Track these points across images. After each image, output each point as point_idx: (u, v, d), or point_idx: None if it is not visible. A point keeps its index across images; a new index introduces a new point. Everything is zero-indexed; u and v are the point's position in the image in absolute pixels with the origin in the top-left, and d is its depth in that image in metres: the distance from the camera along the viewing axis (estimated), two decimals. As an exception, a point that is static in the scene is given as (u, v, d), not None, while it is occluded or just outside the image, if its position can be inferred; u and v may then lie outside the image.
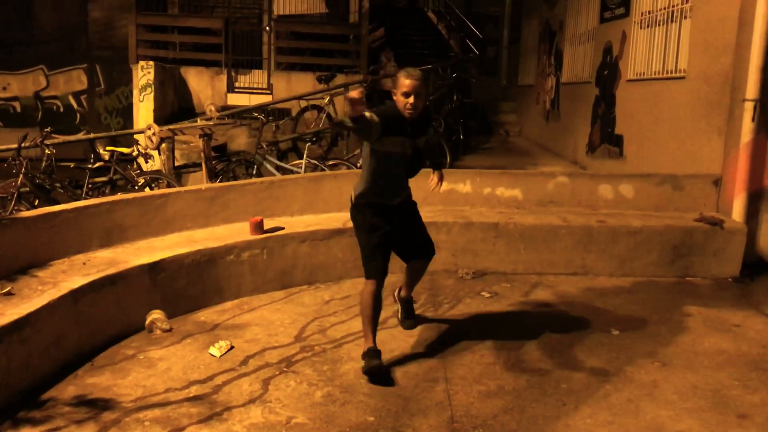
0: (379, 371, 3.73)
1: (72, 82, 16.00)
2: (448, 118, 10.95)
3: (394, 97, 3.76)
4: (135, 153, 7.63)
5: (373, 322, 3.88)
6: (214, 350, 4.08)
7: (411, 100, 3.68)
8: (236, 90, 13.95)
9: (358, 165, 8.18)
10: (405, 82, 3.68)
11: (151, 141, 6.78)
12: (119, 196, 5.21)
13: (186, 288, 4.70)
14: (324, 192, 5.84)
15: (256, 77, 14.13)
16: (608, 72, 8.81)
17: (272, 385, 3.69)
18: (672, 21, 7.12)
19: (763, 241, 5.94)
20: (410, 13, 19.97)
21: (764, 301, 5.10)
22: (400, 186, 4.05)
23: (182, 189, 5.36)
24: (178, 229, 5.17)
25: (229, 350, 4.12)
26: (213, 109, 7.44)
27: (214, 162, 7.45)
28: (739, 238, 5.60)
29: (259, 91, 13.69)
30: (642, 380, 3.75)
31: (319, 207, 5.79)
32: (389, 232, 3.94)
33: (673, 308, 4.87)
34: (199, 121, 7.43)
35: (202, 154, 7.03)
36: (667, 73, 7.16)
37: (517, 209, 6.05)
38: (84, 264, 4.42)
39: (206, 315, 4.71)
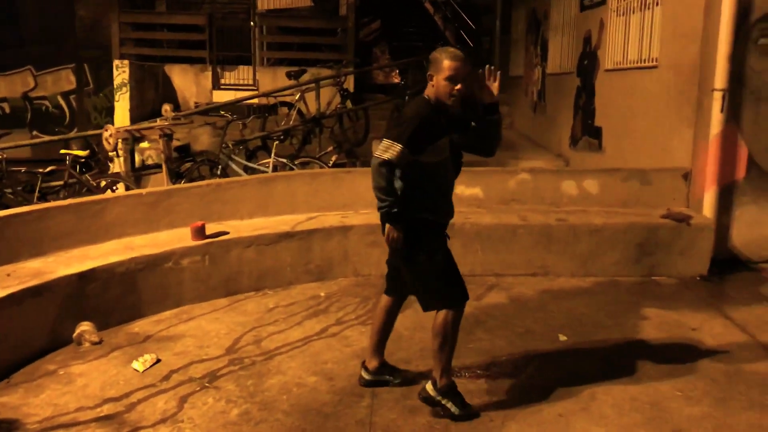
0: (476, 414, 3.31)
1: (60, 82, 15.86)
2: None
3: (432, 84, 3.17)
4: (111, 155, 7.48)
5: (452, 354, 3.34)
6: (138, 364, 3.91)
7: (458, 86, 3.11)
8: (222, 87, 13.81)
9: (330, 164, 8.01)
10: (450, 64, 3.09)
11: (108, 143, 6.62)
12: (53, 203, 5.05)
13: (120, 298, 4.53)
14: (275, 194, 5.65)
15: (242, 73, 13.97)
16: (588, 62, 8.54)
17: (189, 402, 3.51)
18: (646, 8, 6.85)
19: (736, 236, 5.71)
20: (407, 5, 19.71)
21: (729, 301, 4.86)
22: (449, 196, 3.38)
23: (121, 194, 5.19)
24: (117, 236, 4.99)
25: (154, 364, 3.95)
26: (168, 109, 7.27)
27: (177, 163, 7.28)
28: (706, 234, 5.35)
29: (245, 87, 13.53)
30: (580, 392, 3.54)
31: (271, 210, 5.59)
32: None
33: (630, 311, 4.65)
34: (158, 121, 7.26)
35: (162, 155, 6.85)
36: (641, 62, 6.89)
37: (478, 208, 5.83)
38: (8, 275, 4.26)
39: (141, 326, 4.54)
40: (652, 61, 6.52)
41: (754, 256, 5.68)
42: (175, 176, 7.13)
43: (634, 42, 7.07)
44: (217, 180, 6.11)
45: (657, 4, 6.53)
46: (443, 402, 3.29)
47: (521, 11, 13.30)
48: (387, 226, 3.20)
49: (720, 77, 5.42)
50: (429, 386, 3.32)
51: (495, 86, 3.20)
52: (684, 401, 3.42)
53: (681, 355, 3.97)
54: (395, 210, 3.14)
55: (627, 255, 5.33)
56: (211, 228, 5.15)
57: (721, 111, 5.45)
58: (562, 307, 4.76)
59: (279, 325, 4.50)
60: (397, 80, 16.47)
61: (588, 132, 8.38)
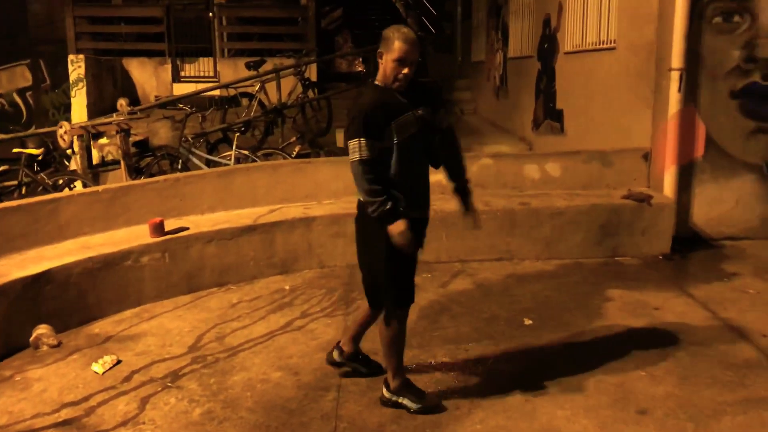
0: (439, 406, 3.26)
1: (16, 78, 15.46)
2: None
3: (381, 61, 3.04)
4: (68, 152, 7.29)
5: (402, 353, 3.32)
6: (98, 366, 3.82)
7: (405, 70, 2.98)
8: (182, 79, 13.58)
9: (293, 155, 7.92)
10: (400, 46, 2.95)
11: (63, 140, 6.45)
12: (5, 204, 4.90)
13: (78, 299, 4.42)
14: (236, 187, 5.56)
15: (203, 65, 13.76)
16: (548, 45, 8.55)
17: (150, 403, 3.43)
18: (604, -10, 6.86)
19: (696, 214, 5.77)
20: (369, -8, 19.59)
21: (691, 279, 4.91)
22: (427, 187, 3.28)
23: (76, 192, 5.07)
24: (73, 236, 4.87)
25: (114, 365, 3.86)
26: (124, 103, 7.11)
27: (136, 158, 7.13)
28: (668, 214, 5.40)
29: (206, 79, 13.32)
30: (546, 376, 3.53)
31: (231, 203, 5.51)
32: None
33: (594, 292, 4.67)
34: (114, 116, 7.10)
35: (120, 151, 6.71)
36: (600, 44, 6.91)
37: (441, 194, 5.76)
38: (-41, 280, 4.12)
39: (101, 326, 4.44)
40: (611, 43, 6.55)
41: (715, 233, 5.75)
42: (135, 172, 6.99)
43: (593, 24, 7.09)
44: (176, 174, 5.99)
45: (614, -15, 6.55)
46: (400, 401, 3.26)
47: (482, -4, 13.28)
48: (389, 228, 3.01)
49: (676, 57, 5.45)
50: (384, 391, 3.30)
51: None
52: (648, 381, 3.44)
53: (644, 335, 4.00)
54: (389, 206, 2.99)
55: (590, 236, 5.35)
56: (170, 224, 5.05)
57: (679, 90, 5.49)
58: (526, 290, 4.76)
59: (243, 320, 4.43)
60: (360, 68, 16.35)
61: (550, 115, 8.41)
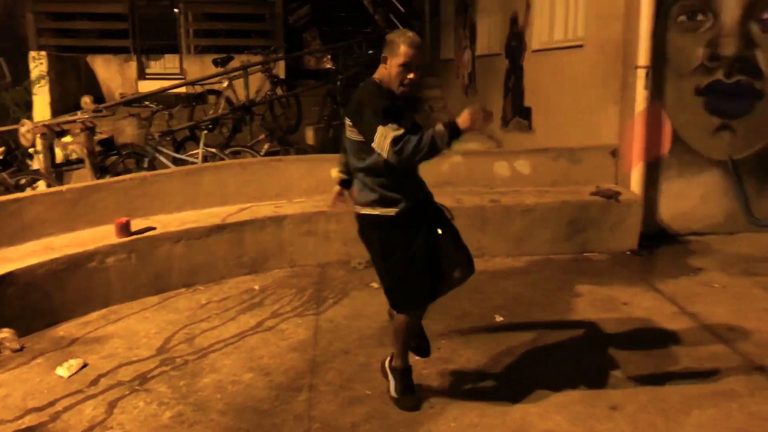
0: (414, 407, 3.24)
1: (-25, 76, 15.10)
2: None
3: (385, 66, 2.94)
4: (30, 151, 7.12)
5: (409, 344, 3.29)
6: (63, 370, 3.73)
7: (411, 75, 2.91)
8: (148, 77, 13.39)
9: (262, 153, 7.85)
10: (407, 50, 2.87)
11: (25, 139, 6.29)
12: (-36, 205, 4.76)
13: (42, 301, 4.32)
14: (204, 186, 5.48)
15: (169, 62, 13.58)
16: (515, 43, 8.59)
17: (118, 407, 3.36)
18: (571, -12, 6.92)
19: (663, 210, 5.84)
20: (337, -11, 19.46)
21: (658, 274, 4.97)
22: (418, 174, 3.21)
23: (40, 192, 4.95)
24: (37, 236, 4.76)
25: (80, 369, 3.77)
26: (88, 101, 6.97)
27: (101, 157, 7.00)
28: (635, 210, 5.46)
29: (172, 76, 13.15)
30: (518, 373, 3.55)
31: (200, 202, 5.43)
32: (429, 237, 3.11)
33: (564, 288, 4.70)
34: (78, 114, 6.96)
35: (85, 150, 6.57)
36: (568, 42, 6.97)
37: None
38: None
39: (66, 329, 4.34)
40: (578, 41, 6.60)
41: (681, 229, 5.83)
42: (100, 171, 6.86)
43: (560, 22, 7.15)
44: (142, 173, 5.89)
45: (581, -17, 6.60)
46: (389, 379, 3.30)
47: (450, -7, 13.31)
48: (465, 126, 2.82)
49: (643, 55, 5.51)
50: (387, 358, 3.35)
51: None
52: (619, 376, 3.46)
53: (614, 330, 4.04)
54: (440, 131, 2.79)
55: (559, 233, 5.39)
56: (137, 224, 4.96)
57: (645, 88, 5.55)
58: (498, 287, 4.78)
59: (212, 321, 4.37)
60: (329, 65, 16.28)
61: (518, 113, 8.46)
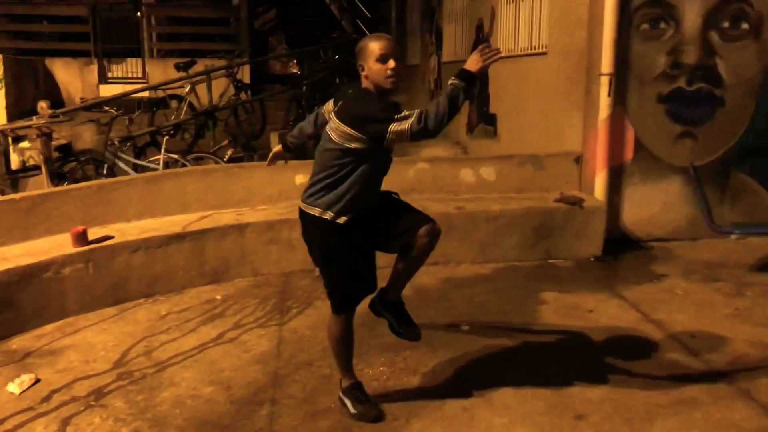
0: (377, 417, 3.17)
1: (-73, 79, 14.67)
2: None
3: (365, 75, 2.93)
4: None
5: (349, 356, 3.25)
6: (14, 387, 3.59)
7: (391, 63, 2.86)
8: (109, 81, 13.18)
9: (225, 159, 7.73)
10: (376, 45, 2.88)
11: (-21, 145, 6.11)
12: None
13: (-6, 313, 4.16)
14: (165, 193, 5.36)
15: (131, 66, 13.38)
16: (481, 49, 8.60)
17: (72, 425, 3.24)
18: (535, -5, 6.94)
19: (626, 216, 5.89)
20: (304, -7, 19.37)
21: (622, 280, 5.00)
22: (381, 182, 3.18)
23: (-10, 201, 4.78)
24: (-11, 246, 4.60)
25: (33, 385, 3.64)
26: (44, 106, 6.79)
27: (59, 163, 6.82)
28: (599, 216, 5.49)
29: (135, 80, 12.97)
30: (483, 383, 3.50)
31: (160, 210, 5.31)
32: (368, 237, 3.12)
33: (529, 295, 4.69)
34: (34, 119, 6.78)
35: (42, 156, 6.39)
36: (532, 49, 6.99)
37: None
38: None
39: (20, 342, 4.20)
40: (542, 48, 6.62)
41: (644, 235, 5.88)
42: (57, 178, 6.68)
43: (525, 29, 7.17)
44: (100, 180, 5.75)
45: (545, -9, 6.62)
46: (345, 401, 3.24)
47: (415, 0, 13.31)
48: (478, 71, 2.78)
49: (606, 62, 5.55)
50: (340, 389, 3.31)
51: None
52: (584, 385, 3.44)
53: (579, 338, 4.03)
54: (453, 92, 2.76)
55: (524, 240, 5.39)
56: (94, 232, 4.82)
57: (609, 95, 5.59)
58: (463, 295, 4.75)
59: (172, 333, 4.26)
60: (295, 70, 16.20)
61: (483, 119, 8.47)
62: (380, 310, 3.36)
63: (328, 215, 3.00)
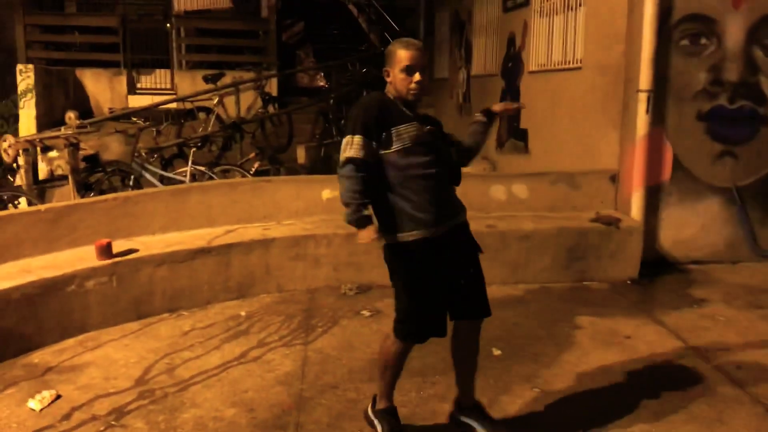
0: None
1: (-39, 88, 14.88)
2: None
3: (389, 80, 2.86)
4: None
5: (395, 381, 3.08)
6: (35, 403, 3.51)
7: (417, 77, 2.79)
8: (138, 91, 13.20)
9: (252, 171, 7.66)
10: (404, 54, 2.80)
11: (7, 154, 6.09)
12: (-63, 224, 4.55)
13: (16, 326, 4.09)
14: (190, 206, 5.29)
15: (160, 77, 13.41)
16: (512, 64, 8.48)
17: (91, 445, 3.15)
18: (569, 9, 6.80)
19: (663, 238, 5.69)
20: (331, 7, 19.39)
21: (660, 305, 4.80)
22: (449, 197, 2.97)
23: (17, 211, 4.75)
24: (13, 258, 4.54)
25: (53, 401, 3.55)
26: (72, 116, 6.78)
27: (86, 174, 6.79)
28: (636, 237, 5.31)
29: (163, 91, 12.98)
30: (516, 412, 3.36)
31: (185, 223, 5.23)
32: (445, 273, 2.93)
33: (563, 319, 4.52)
34: (63, 130, 6.77)
35: (69, 166, 6.37)
36: (566, 63, 6.84)
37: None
38: None
39: (41, 356, 4.12)
40: (577, 63, 6.48)
41: (682, 257, 5.68)
42: (84, 188, 6.65)
43: (558, 43, 7.03)
44: (126, 193, 5.69)
45: (580, 5, 6.49)
46: (374, 422, 3.09)
47: (445, 13, 13.21)
48: (358, 233, 2.77)
49: (644, 78, 5.39)
50: (369, 405, 3.17)
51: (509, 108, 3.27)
52: (623, 417, 3.27)
53: (617, 366, 3.85)
54: (362, 214, 2.73)
55: (557, 260, 5.22)
56: (119, 245, 4.75)
57: (647, 112, 5.43)
58: (494, 317, 4.48)
59: (195, 350, 4.16)
60: (322, 83, 16.19)
61: (514, 134, 8.31)
62: (461, 419, 3.16)
63: (390, 238, 2.88)
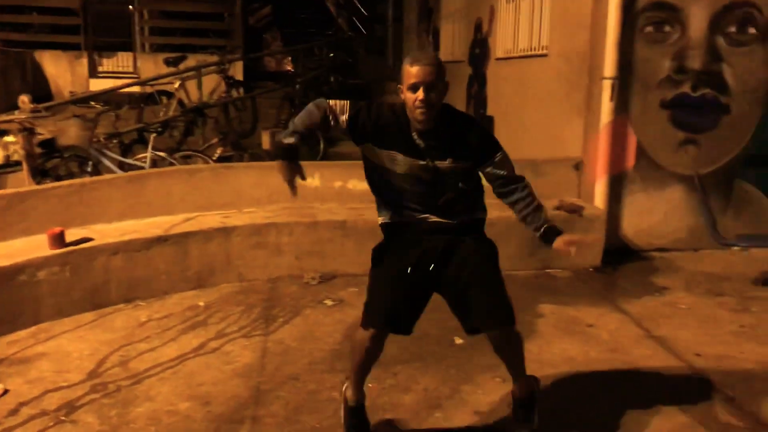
0: None
1: None
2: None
3: (402, 96, 2.61)
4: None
5: (361, 371, 2.92)
6: (-20, 398, 3.39)
7: (420, 94, 2.50)
8: (99, 75, 12.93)
9: (215, 157, 7.51)
10: (411, 70, 2.52)
11: (-43, 139, 5.88)
12: None
13: (-36, 318, 3.95)
14: (148, 193, 5.15)
15: (122, 60, 13.14)
16: (479, 50, 8.44)
17: (38, 442, 3.04)
18: (536, -5, 6.76)
19: (626, 226, 5.72)
20: (300, -10, 19.12)
21: (622, 293, 4.82)
22: (432, 205, 2.79)
23: (-37, 199, 4.56)
24: (-39, 247, 4.38)
25: (1, 396, 3.42)
26: (26, 100, 6.57)
27: (42, 159, 6.57)
28: (598, 225, 5.31)
29: (126, 75, 12.73)
30: (477, 402, 3.32)
31: (143, 211, 5.09)
32: (419, 272, 2.77)
33: (526, 308, 4.49)
34: (16, 114, 6.55)
35: (23, 152, 6.16)
36: (532, 50, 6.81)
37: (372, 203, 5.52)
38: None
39: (-9, 349, 3.98)
40: (543, 50, 6.45)
41: (645, 245, 5.71)
42: (40, 174, 6.44)
43: (525, 30, 6.99)
44: (81, 179, 5.52)
45: (546, -9, 6.45)
46: (341, 409, 3.04)
47: (413, -2, 13.13)
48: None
49: (609, 65, 5.38)
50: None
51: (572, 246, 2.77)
52: (584, 405, 3.26)
53: (580, 355, 3.84)
54: (284, 141, 2.64)
55: (521, 248, 5.19)
56: (73, 234, 4.61)
57: (611, 100, 5.42)
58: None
59: (151, 341, 4.05)
60: (289, 68, 15.99)
61: (481, 121, 8.28)
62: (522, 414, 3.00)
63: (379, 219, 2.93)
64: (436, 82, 2.53)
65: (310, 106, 2.71)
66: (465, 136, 2.68)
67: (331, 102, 2.72)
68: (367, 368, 2.95)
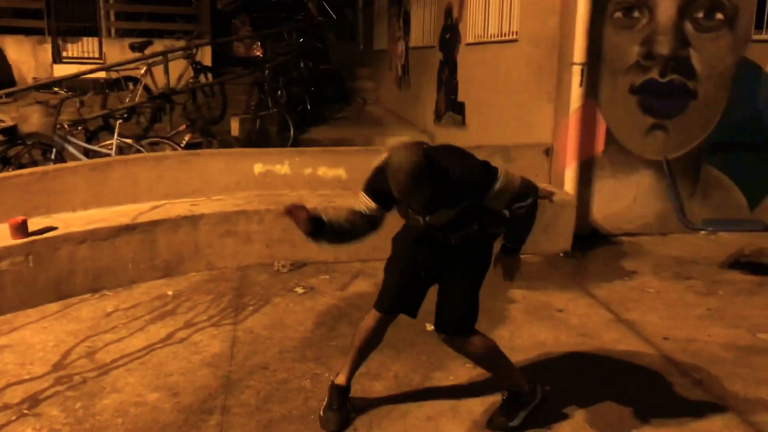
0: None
1: None
2: (292, 86, 10.25)
3: None
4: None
5: (358, 356, 3.06)
6: (-60, 393, 3.30)
7: (413, 205, 2.67)
8: (64, 60, 12.64)
9: (183, 144, 7.39)
10: (389, 182, 2.53)
11: None
12: None
13: None
14: (113, 181, 5.05)
15: (87, 45, 12.85)
16: (450, 35, 8.40)
17: (1, 436, 2.97)
18: (506, -21, 6.73)
19: (596, 211, 5.75)
20: (269, -25, 18.87)
21: (592, 277, 4.85)
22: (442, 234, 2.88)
23: None
24: None
25: (-39, 390, 3.34)
26: (-16, 86, 6.40)
27: (3, 147, 6.42)
28: (568, 211, 5.34)
29: (91, 60, 12.46)
30: (447, 389, 3.32)
31: (108, 199, 4.99)
32: (426, 264, 2.95)
33: (497, 293, 4.49)
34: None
35: (-17, 140, 6.02)
36: (502, 36, 6.79)
37: (342, 190, 5.51)
38: None
39: (-49, 342, 3.88)
40: (513, 35, 6.43)
41: (614, 229, 5.75)
42: (1, 162, 6.30)
43: (495, 15, 6.97)
44: (43, 167, 5.39)
45: (516, -25, 6.42)
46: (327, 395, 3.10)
47: (383, -18, 13.02)
48: None
49: (578, 51, 5.38)
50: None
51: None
52: (553, 391, 3.26)
53: (549, 339, 3.86)
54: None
55: (493, 234, 5.19)
56: (36, 223, 4.51)
57: (580, 85, 5.43)
58: (429, 292, 4.53)
59: (118, 332, 3.98)
60: (259, 53, 15.80)
61: (451, 107, 8.27)
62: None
63: None
64: (414, 193, 2.51)
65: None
66: (456, 186, 2.63)
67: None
68: (365, 352, 3.08)
